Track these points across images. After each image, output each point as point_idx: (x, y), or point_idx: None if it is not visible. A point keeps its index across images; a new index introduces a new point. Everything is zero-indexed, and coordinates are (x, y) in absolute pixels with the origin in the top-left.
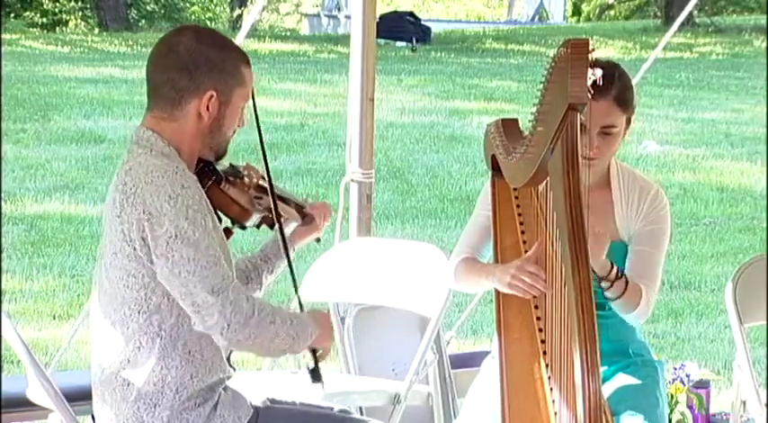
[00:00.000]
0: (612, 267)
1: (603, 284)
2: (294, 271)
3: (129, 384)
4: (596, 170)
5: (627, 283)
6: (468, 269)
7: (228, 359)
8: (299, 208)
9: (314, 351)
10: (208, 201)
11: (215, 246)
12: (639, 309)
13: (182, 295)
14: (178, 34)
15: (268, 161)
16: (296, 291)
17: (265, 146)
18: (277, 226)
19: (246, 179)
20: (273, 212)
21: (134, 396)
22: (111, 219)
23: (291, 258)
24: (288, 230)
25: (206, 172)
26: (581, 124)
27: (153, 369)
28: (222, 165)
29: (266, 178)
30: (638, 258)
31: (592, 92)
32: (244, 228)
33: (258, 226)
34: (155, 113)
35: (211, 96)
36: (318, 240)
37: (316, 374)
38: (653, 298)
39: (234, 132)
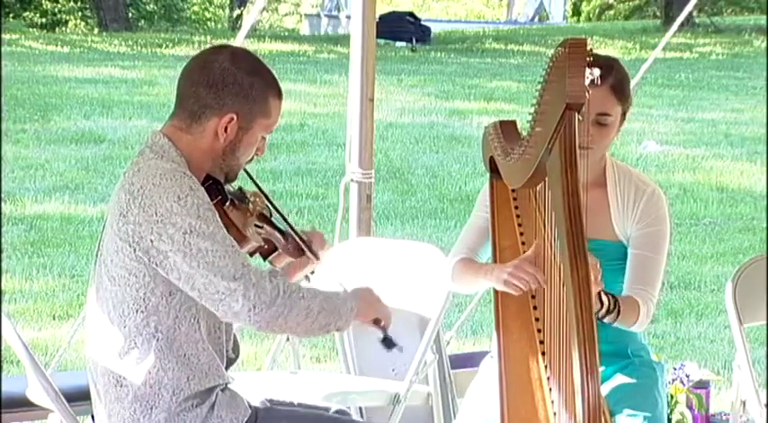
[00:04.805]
0: (602, 307)
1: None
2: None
3: (123, 385)
4: (591, 166)
5: (619, 313)
6: (464, 269)
7: (228, 367)
8: (299, 245)
9: (376, 322)
10: None
11: (230, 237)
12: (638, 322)
13: (205, 287)
14: (216, 52)
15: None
16: None
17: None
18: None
19: (251, 206)
20: (303, 244)
21: (130, 397)
22: (115, 217)
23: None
24: (281, 265)
25: (212, 190)
26: None
27: (149, 370)
28: (230, 187)
29: (270, 209)
30: (637, 263)
31: (590, 92)
32: None
33: (252, 254)
34: (174, 122)
35: (231, 119)
36: (313, 273)
37: (387, 342)
38: (652, 307)
39: (251, 160)
